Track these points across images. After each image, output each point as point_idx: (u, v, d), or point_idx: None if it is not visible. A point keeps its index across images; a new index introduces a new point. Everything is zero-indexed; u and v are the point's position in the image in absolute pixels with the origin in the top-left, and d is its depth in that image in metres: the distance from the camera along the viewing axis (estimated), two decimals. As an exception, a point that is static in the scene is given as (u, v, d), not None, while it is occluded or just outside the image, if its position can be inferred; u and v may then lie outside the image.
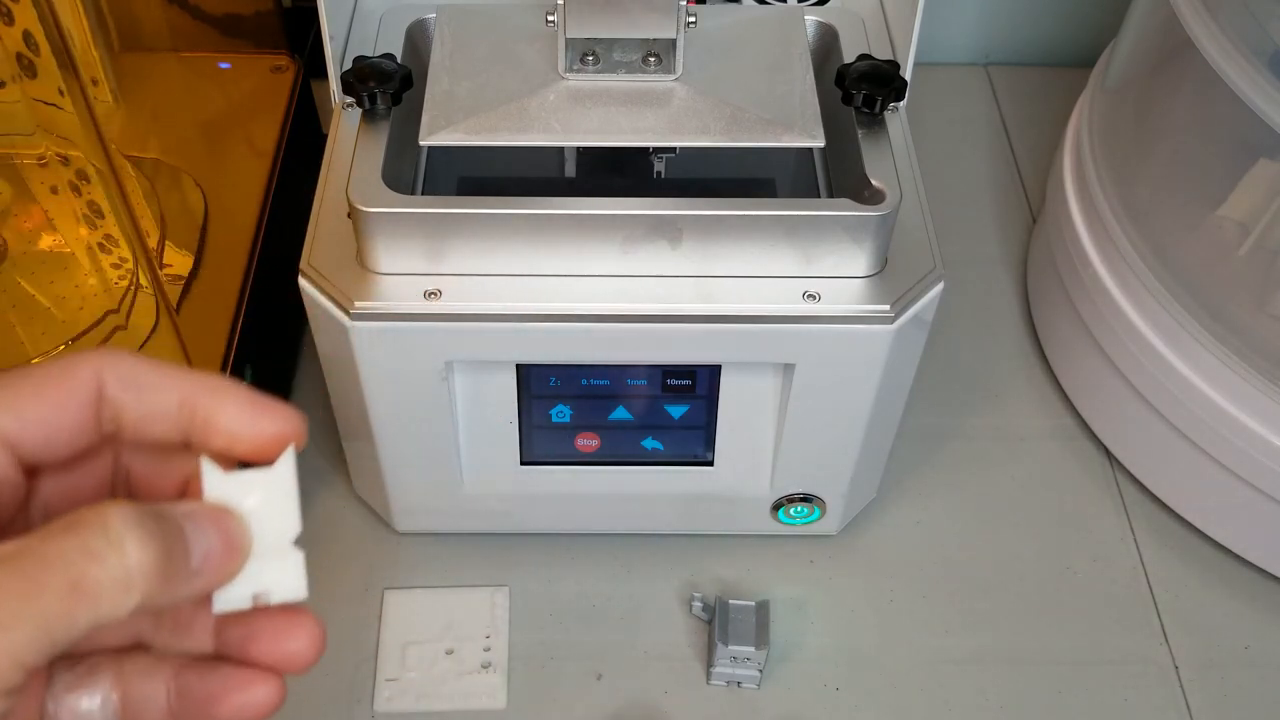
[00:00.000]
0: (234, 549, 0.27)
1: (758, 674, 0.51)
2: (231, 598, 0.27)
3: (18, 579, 0.23)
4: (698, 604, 0.52)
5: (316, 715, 0.50)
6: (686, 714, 0.51)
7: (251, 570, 0.27)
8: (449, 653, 0.52)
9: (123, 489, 0.30)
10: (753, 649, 0.49)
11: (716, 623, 0.51)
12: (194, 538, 0.26)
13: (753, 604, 0.51)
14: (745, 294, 0.44)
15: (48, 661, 0.23)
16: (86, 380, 0.27)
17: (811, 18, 0.51)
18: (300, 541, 0.28)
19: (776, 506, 0.53)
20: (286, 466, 0.28)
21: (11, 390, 0.27)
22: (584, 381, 0.48)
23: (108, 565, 0.24)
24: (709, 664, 0.51)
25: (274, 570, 0.28)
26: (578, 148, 0.51)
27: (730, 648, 0.49)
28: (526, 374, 0.48)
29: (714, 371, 0.48)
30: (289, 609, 0.28)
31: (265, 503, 0.28)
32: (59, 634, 0.23)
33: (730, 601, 0.51)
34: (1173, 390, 0.54)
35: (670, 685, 0.51)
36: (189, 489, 0.29)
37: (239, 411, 0.28)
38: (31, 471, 0.28)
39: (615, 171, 0.52)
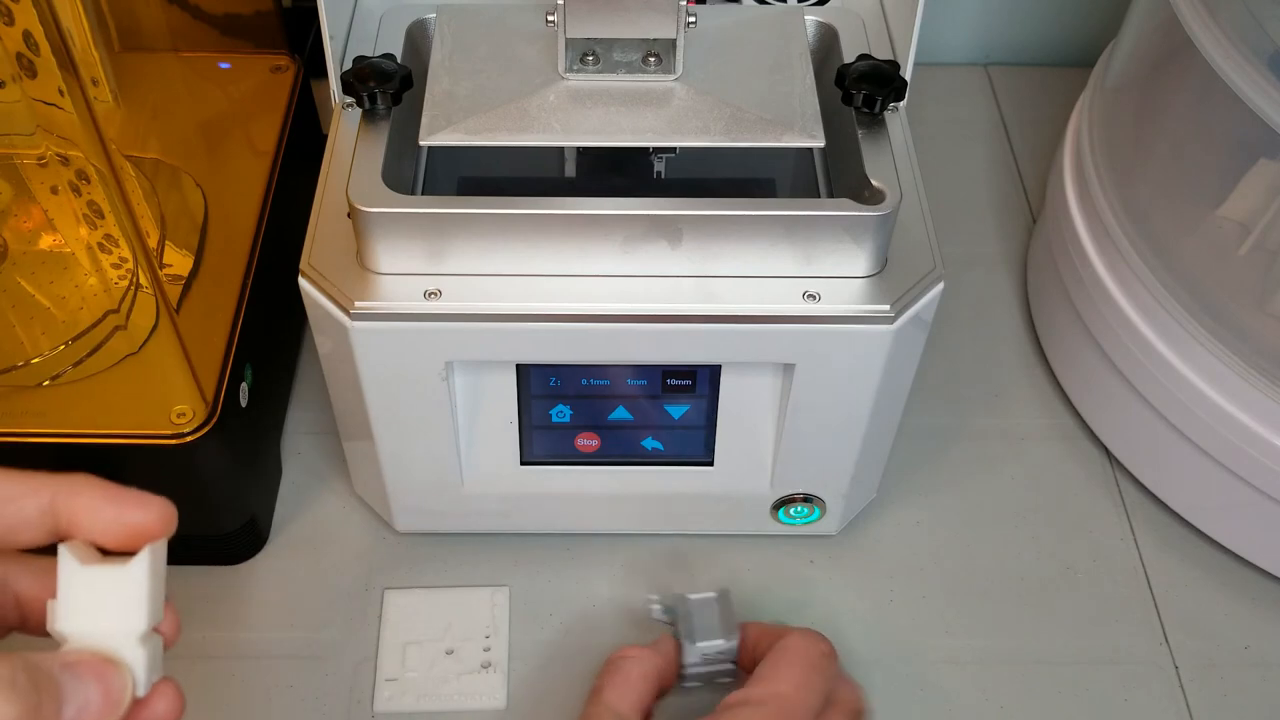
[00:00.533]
0: (112, 702, 0.27)
1: (732, 666, 0.49)
2: None
3: None
4: (656, 608, 0.50)
5: (316, 715, 0.50)
6: (687, 714, 0.51)
7: None
8: (449, 653, 0.52)
9: (11, 607, 0.31)
10: (723, 641, 0.48)
11: (680, 623, 0.48)
12: (70, 691, 0.26)
13: (714, 595, 0.48)
14: (745, 294, 0.44)
15: None
16: None
17: (811, 18, 0.51)
18: (147, 638, 0.29)
19: (776, 506, 0.53)
20: (142, 562, 0.29)
21: None
22: (584, 381, 0.48)
23: None
24: (680, 668, 0.48)
25: (122, 658, 0.29)
26: (578, 148, 0.51)
27: (699, 645, 0.47)
28: (526, 374, 0.48)
29: (714, 371, 0.48)
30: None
31: (118, 593, 0.29)
32: None
33: (690, 597, 0.49)
34: (1173, 390, 0.54)
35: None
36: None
37: (97, 508, 0.29)
38: None
39: (615, 171, 0.52)
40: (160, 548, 0.30)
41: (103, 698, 0.27)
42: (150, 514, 0.29)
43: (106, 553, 0.30)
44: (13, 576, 0.30)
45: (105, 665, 0.28)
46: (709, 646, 0.48)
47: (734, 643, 0.48)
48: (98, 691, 0.27)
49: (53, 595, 0.29)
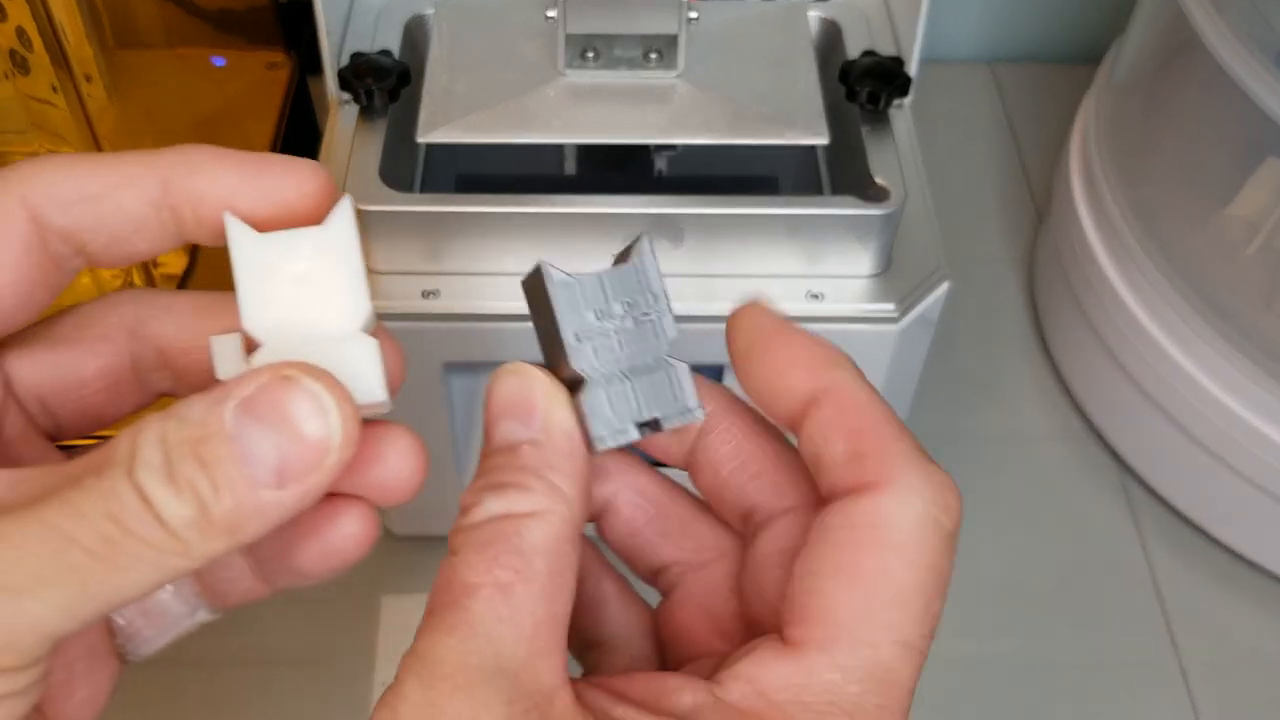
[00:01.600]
0: (317, 450, 0.19)
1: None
2: None
3: (42, 530, 0.18)
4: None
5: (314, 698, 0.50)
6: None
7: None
8: (447, 657, 0.51)
9: (155, 364, 0.24)
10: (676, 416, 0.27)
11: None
12: (254, 450, 0.19)
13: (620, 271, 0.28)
14: (748, 293, 0.43)
15: (87, 627, 0.19)
16: (12, 214, 0.21)
17: (815, 13, 0.51)
18: (370, 328, 0.21)
19: (779, 509, 0.53)
20: (343, 220, 0.21)
21: None
22: (584, 382, 0.48)
23: (145, 524, 0.18)
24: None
25: (335, 365, 0.20)
26: (578, 145, 0.50)
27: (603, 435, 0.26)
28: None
29: (716, 372, 0.47)
30: (372, 423, 0.21)
31: (319, 270, 0.21)
32: (104, 598, 0.18)
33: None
34: (1180, 391, 0.53)
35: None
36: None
37: (230, 187, 0.21)
38: None
39: (616, 169, 0.51)
40: (350, 207, 0.21)
41: (303, 436, 0.19)
42: (306, 180, 0.21)
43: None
44: (148, 321, 0.23)
45: (285, 388, 0.19)
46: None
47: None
48: (295, 429, 0.19)
49: (203, 339, 0.22)
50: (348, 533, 0.23)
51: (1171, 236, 0.53)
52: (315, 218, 0.21)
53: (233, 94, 0.61)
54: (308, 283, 0.21)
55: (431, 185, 0.50)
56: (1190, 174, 0.55)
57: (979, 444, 0.60)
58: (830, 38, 0.51)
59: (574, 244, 0.42)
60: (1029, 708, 0.51)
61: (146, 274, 0.45)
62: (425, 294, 0.43)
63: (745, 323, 0.24)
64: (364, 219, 0.42)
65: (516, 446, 0.22)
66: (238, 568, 0.24)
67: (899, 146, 0.45)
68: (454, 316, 0.43)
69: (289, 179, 0.21)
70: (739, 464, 0.25)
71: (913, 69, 0.48)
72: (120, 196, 0.21)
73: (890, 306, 0.43)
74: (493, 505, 0.21)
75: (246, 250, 0.21)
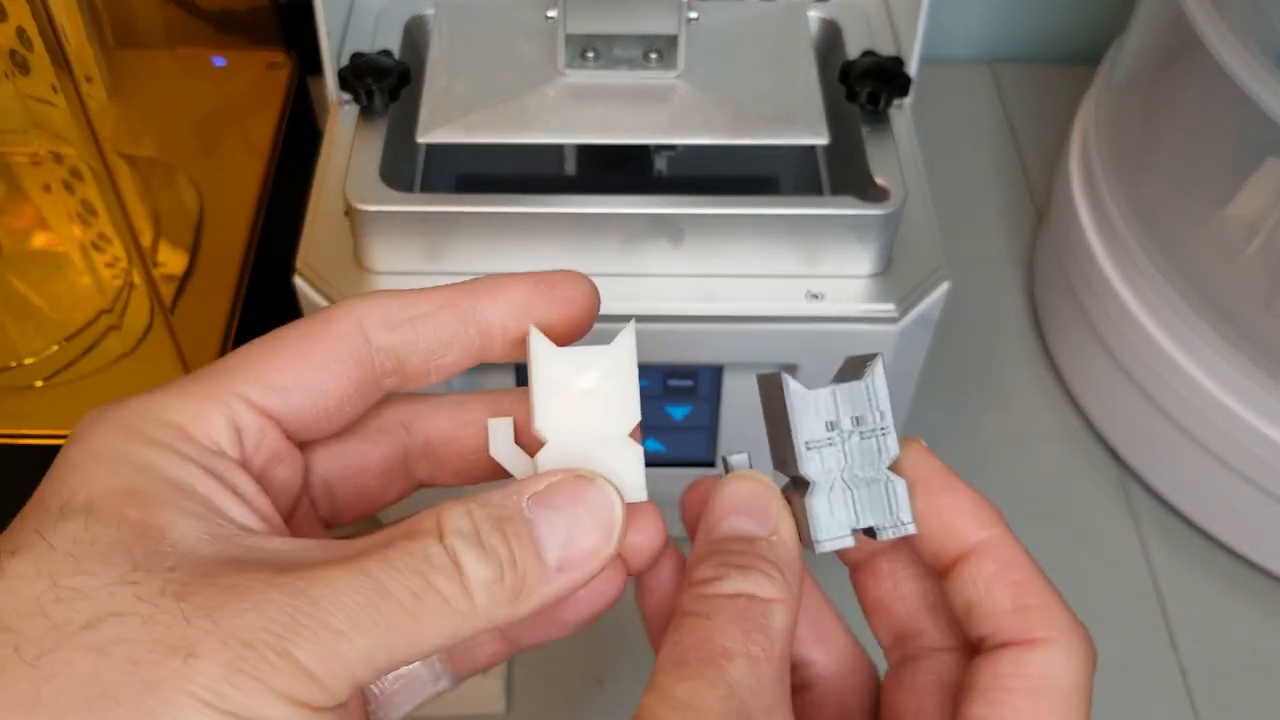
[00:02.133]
0: (603, 527, 0.23)
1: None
2: None
3: (362, 580, 0.20)
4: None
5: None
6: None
7: (582, 465, 0.24)
8: (447, 657, 0.51)
9: (421, 456, 0.27)
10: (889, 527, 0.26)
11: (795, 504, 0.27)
12: (547, 533, 0.22)
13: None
14: (748, 293, 0.43)
15: (381, 676, 0.21)
16: (348, 333, 0.24)
17: (815, 13, 0.51)
18: (632, 440, 0.25)
19: (779, 509, 0.52)
20: (626, 344, 0.25)
21: (269, 360, 0.24)
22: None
23: (449, 583, 0.21)
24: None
25: (609, 465, 0.24)
26: (578, 145, 0.50)
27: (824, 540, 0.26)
28: (527, 375, 0.47)
29: (716, 372, 0.47)
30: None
31: (602, 384, 0.24)
32: (400, 649, 0.21)
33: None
34: (1180, 391, 0.53)
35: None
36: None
37: (526, 298, 0.25)
38: (305, 445, 0.25)
39: (616, 169, 0.51)
40: (633, 333, 0.25)
41: (591, 526, 0.22)
42: (582, 287, 0.26)
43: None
44: (423, 419, 0.27)
45: (579, 487, 0.23)
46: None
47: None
48: (584, 520, 0.22)
49: (469, 435, 0.26)
50: (603, 590, 0.26)
51: (1171, 237, 0.53)
52: (589, 318, 0.26)
53: (233, 94, 0.61)
54: (593, 395, 0.24)
55: (431, 185, 0.50)
56: (1190, 174, 0.55)
57: (979, 444, 0.60)
58: (830, 38, 0.51)
59: (574, 244, 0.42)
60: (1029, 708, 0.51)
61: (147, 273, 0.45)
62: (425, 294, 0.42)
63: (910, 460, 0.26)
64: (363, 219, 0.42)
65: (753, 539, 0.24)
66: (486, 637, 0.27)
67: (899, 146, 0.45)
68: (454, 316, 0.43)
69: (572, 289, 0.26)
70: (922, 588, 0.27)
71: (913, 69, 0.48)
72: (440, 318, 0.25)
73: (890, 306, 0.43)
74: (740, 583, 0.23)
75: (545, 363, 0.24)
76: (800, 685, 0.28)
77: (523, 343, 0.25)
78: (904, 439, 0.26)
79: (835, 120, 0.45)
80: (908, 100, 0.48)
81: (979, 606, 0.25)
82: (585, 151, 0.50)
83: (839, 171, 0.49)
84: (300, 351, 0.24)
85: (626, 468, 0.24)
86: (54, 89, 0.43)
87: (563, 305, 0.26)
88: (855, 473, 0.25)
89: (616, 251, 0.43)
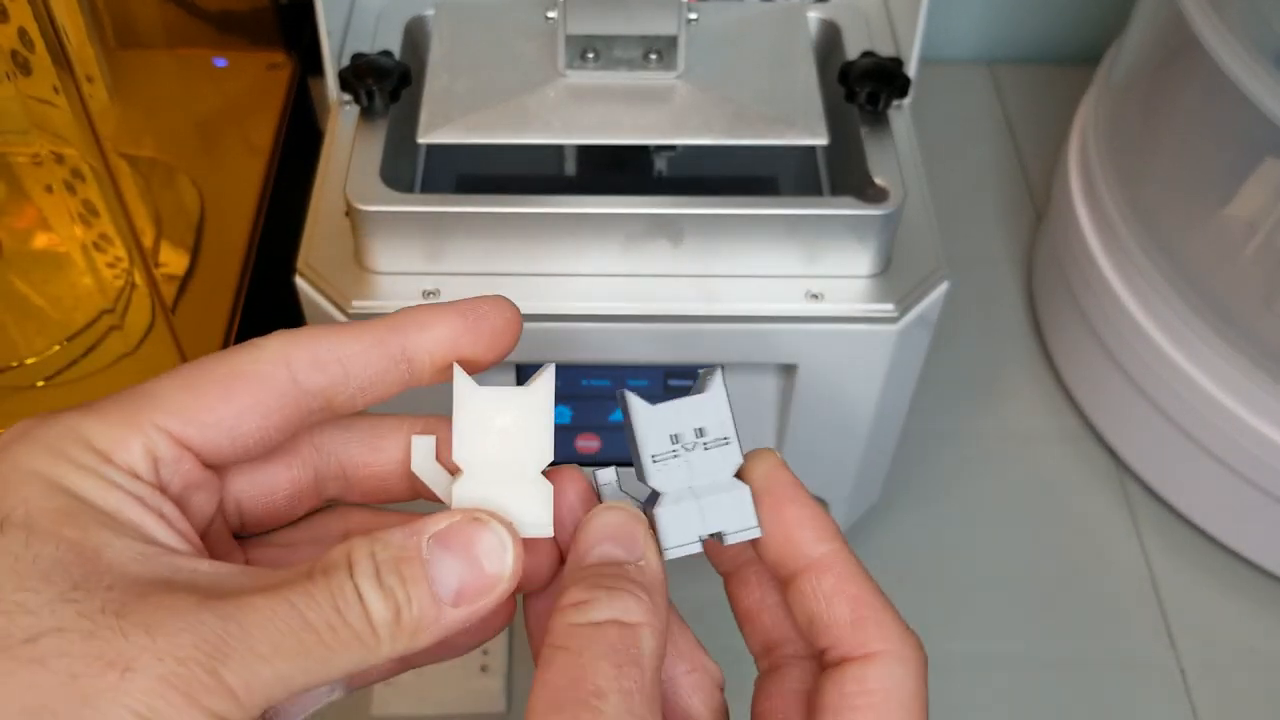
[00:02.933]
0: (494, 574, 0.24)
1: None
2: None
3: (286, 609, 0.22)
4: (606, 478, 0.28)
5: (313, 719, 0.50)
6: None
7: (494, 499, 0.25)
8: (447, 656, 0.51)
9: (335, 476, 0.28)
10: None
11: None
12: (442, 574, 0.23)
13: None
14: (747, 293, 0.43)
15: (289, 699, 0.22)
16: (275, 375, 0.25)
17: (814, 14, 0.51)
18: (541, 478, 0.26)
19: (779, 508, 0.53)
20: (544, 387, 0.26)
21: (192, 395, 0.24)
22: (584, 382, 0.48)
23: (358, 618, 0.22)
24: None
25: (519, 500, 0.26)
26: (578, 145, 0.50)
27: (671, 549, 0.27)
28: (526, 374, 0.47)
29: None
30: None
31: (518, 424, 0.26)
32: (314, 674, 0.22)
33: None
34: (1178, 391, 0.53)
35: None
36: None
37: (456, 330, 0.26)
38: (219, 467, 0.26)
39: (616, 169, 0.51)
40: (552, 376, 0.27)
41: (484, 569, 0.24)
42: (506, 312, 0.27)
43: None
44: (336, 443, 0.28)
45: (478, 529, 0.24)
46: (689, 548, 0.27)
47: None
48: (478, 563, 0.24)
49: (384, 461, 0.28)
50: (490, 621, 0.26)
51: (1170, 237, 0.53)
52: (514, 343, 0.27)
53: (234, 94, 0.61)
54: (508, 434, 0.26)
55: (432, 185, 0.50)
56: (1189, 174, 0.55)
57: (978, 443, 0.60)
58: (830, 38, 0.51)
59: (574, 244, 0.42)
60: (1027, 706, 0.51)
61: (148, 274, 0.45)
62: (425, 294, 0.43)
63: (760, 471, 0.27)
64: (364, 219, 0.42)
65: (621, 563, 0.25)
66: None
67: (898, 147, 0.45)
68: (454, 316, 0.43)
69: (498, 317, 0.27)
70: (829, 606, 0.27)
71: (912, 70, 0.48)
72: (369, 356, 0.26)
73: (890, 306, 0.43)
74: (609, 607, 0.24)
75: (466, 400, 0.26)
76: (773, 668, 0.28)
77: (450, 369, 0.26)
78: (758, 451, 0.27)
79: (835, 121, 0.45)
80: (907, 101, 0.48)
81: (819, 619, 0.26)
82: (585, 152, 0.50)
83: (839, 172, 0.49)
84: (226, 389, 0.25)
85: (534, 504, 0.26)
86: (55, 89, 0.43)
87: (489, 336, 0.27)
88: (701, 482, 0.26)
89: (616, 251, 0.43)
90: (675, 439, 0.27)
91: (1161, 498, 0.58)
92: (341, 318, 0.43)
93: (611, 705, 0.23)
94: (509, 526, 0.25)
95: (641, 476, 0.27)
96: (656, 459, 0.26)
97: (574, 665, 0.23)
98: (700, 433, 0.27)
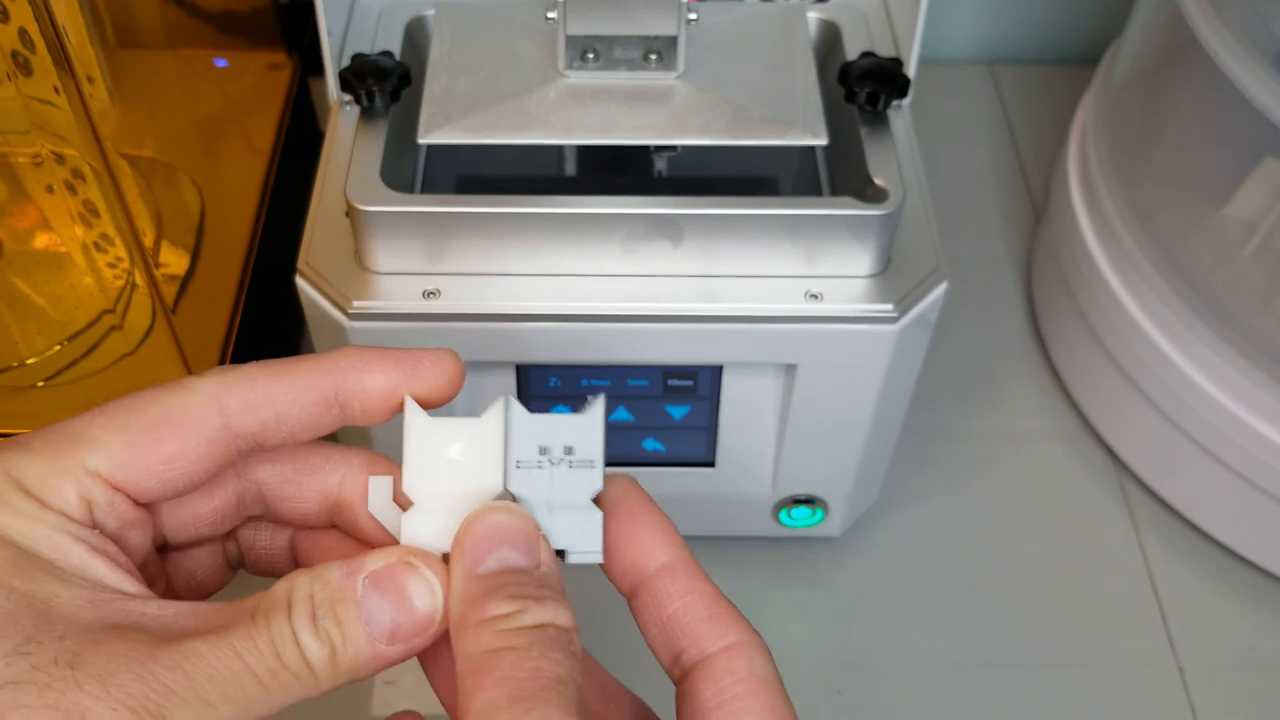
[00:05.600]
0: (425, 615, 0.25)
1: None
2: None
3: (230, 657, 0.23)
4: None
5: (313, 718, 0.50)
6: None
7: (433, 527, 0.26)
8: (448, 656, 0.51)
9: (254, 499, 0.29)
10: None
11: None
12: (375, 614, 0.24)
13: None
14: (747, 293, 0.43)
15: None
16: (206, 419, 0.25)
17: (814, 14, 0.51)
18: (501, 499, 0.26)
19: (778, 508, 0.53)
20: (495, 417, 0.26)
21: (126, 439, 0.25)
22: (584, 382, 0.48)
23: (296, 660, 0.23)
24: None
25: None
26: (578, 146, 0.50)
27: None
28: (526, 374, 0.47)
29: (715, 372, 0.48)
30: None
31: (468, 454, 0.26)
32: (255, 713, 0.23)
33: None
34: (1177, 391, 0.53)
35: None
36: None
37: (395, 378, 0.27)
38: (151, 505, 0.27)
39: (616, 170, 0.51)
40: (502, 409, 0.27)
41: (414, 610, 0.25)
42: (449, 366, 0.27)
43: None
44: (263, 474, 0.28)
45: (409, 573, 0.25)
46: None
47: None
48: (409, 604, 0.25)
49: (313, 495, 0.28)
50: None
51: (1169, 237, 0.53)
52: (453, 394, 0.27)
53: (234, 95, 0.61)
54: (458, 465, 0.26)
55: (432, 186, 0.50)
56: (1188, 175, 0.55)
57: (976, 443, 0.60)
58: (829, 39, 0.51)
59: (574, 244, 0.42)
60: (1026, 706, 0.51)
61: (149, 274, 0.45)
62: (425, 294, 0.43)
63: (616, 486, 0.28)
64: (364, 219, 0.42)
65: (528, 570, 0.25)
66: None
67: (898, 147, 0.45)
68: (454, 316, 0.43)
69: (437, 373, 0.27)
70: (684, 604, 0.28)
71: (911, 70, 0.48)
72: (303, 400, 0.26)
73: (889, 306, 0.43)
74: (541, 613, 0.24)
75: (417, 431, 0.26)
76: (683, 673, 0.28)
77: (384, 413, 0.27)
78: (616, 476, 0.28)
79: (834, 121, 0.45)
80: (907, 101, 0.48)
81: (675, 618, 0.27)
82: (585, 152, 0.51)
83: (838, 172, 0.49)
84: (157, 434, 0.25)
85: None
86: (56, 90, 0.43)
87: (426, 390, 0.27)
88: (558, 497, 0.27)
89: (616, 251, 0.43)
90: (543, 450, 0.27)
91: (1161, 498, 0.58)
92: (342, 318, 0.43)
93: (573, 692, 0.23)
94: (439, 567, 0.25)
95: (499, 480, 0.27)
96: (521, 465, 0.27)
97: (528, 658, 0.23)
98: (569, 450, 0.27)
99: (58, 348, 0.49)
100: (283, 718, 0.52)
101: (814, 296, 0.43)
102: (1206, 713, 0.51)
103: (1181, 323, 0.52)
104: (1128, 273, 0.55)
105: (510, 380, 0.48)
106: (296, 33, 0.62)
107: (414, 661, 0.51)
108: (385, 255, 0.43)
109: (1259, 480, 0.52)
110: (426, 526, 0.26)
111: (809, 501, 0.52)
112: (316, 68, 0.49)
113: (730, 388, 0.48)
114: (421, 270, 0.43)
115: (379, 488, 0.27)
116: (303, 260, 0.44)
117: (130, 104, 0.57)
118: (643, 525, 0.27)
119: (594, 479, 0.27)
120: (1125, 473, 0.59)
